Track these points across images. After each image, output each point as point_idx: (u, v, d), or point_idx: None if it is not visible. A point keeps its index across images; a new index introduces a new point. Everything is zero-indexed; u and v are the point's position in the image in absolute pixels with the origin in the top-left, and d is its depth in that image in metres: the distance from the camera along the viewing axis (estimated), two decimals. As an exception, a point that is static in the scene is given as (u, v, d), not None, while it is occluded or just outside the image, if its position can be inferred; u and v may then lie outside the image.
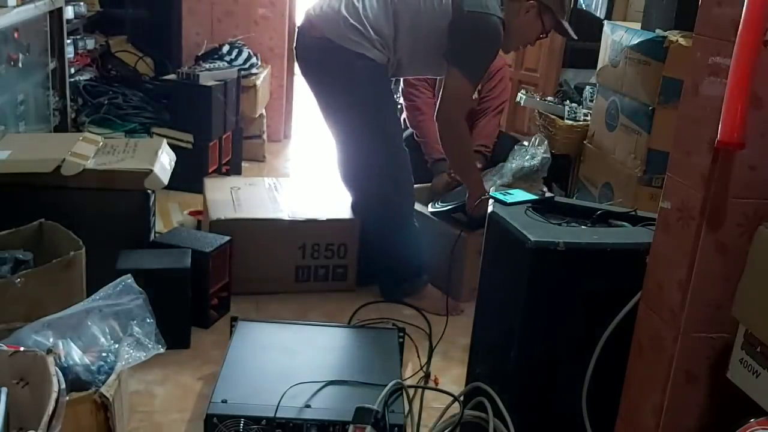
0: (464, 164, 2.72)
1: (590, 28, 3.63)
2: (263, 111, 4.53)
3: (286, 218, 2.80)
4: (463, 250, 2.70)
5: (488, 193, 2.78)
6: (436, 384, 2.24)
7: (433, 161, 3.16)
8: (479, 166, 3.23)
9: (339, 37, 2.53)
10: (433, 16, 2.52)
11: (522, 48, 2.89)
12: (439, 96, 2.62)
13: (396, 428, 1.77)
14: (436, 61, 2.59)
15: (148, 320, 1.84)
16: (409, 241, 2.71)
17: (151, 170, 2.44)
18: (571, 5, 2.79)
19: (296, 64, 4.81)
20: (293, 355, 2.08)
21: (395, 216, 2.69)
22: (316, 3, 2.64)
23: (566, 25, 2.66)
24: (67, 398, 1.41)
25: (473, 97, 3.29)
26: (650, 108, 2.77)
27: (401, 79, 3.21)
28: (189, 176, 3.35)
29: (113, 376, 1.68)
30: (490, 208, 1.90)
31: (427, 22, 2.54)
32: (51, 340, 1.68)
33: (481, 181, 2.76)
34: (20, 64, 2.97)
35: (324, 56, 2.60)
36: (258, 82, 4.26)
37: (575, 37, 2.70)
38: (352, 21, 2.51)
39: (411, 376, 2.24)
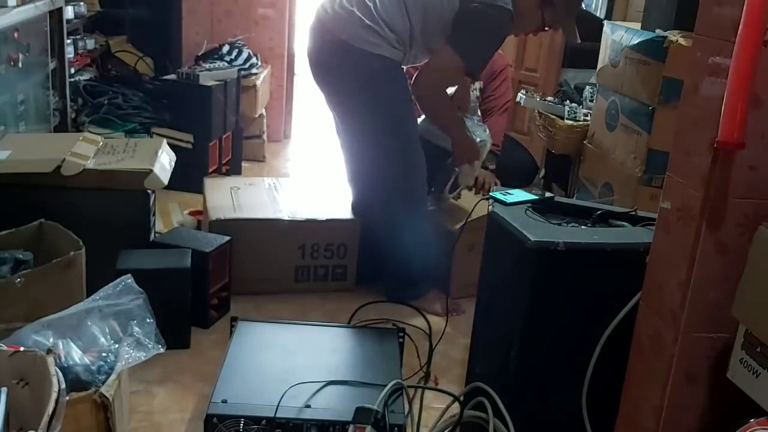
0: (445, 124, 2.71)
1: (590, 28, 3.63)
2: (263, 111, 4.53)
3: (286, 218, 2.80)
4: (453, 247, 2.68)
5: (472, 140, 2.79)
6: (436, 384, 2.25)
7: None
8: (491, 167, 3.23)
9: (356, 39, 2.50)
10: (441, 10, 2.50)
11: (523, 35, 2.84)
12: (424, 67, 2.58)
13: (396, 428, 1.77)
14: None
15: (148, 320, 1.84)
16: (415, 246, 2.70)
17: (151, 170, 2.44)
18: (579, 6, 2.72)
19: (296, 64, 4.89)
20: (293, 355, 2.08)
21: (399, 221, 2.67)
22: (325, 2, 2.61)
23: (570, 25, 2.61)
24: (67, 398, 1.41)
25: (476, 96, 3.29)
26: (650, 108, 2.77)
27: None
28: (189, 176, 3.35)
29: (113, 376, 1.68)
30: (490, 208, 1.90)
31: (434, 15, 2.50)
32: (51, 340, 1.68)
33: (462, 131, 2.75)
34: (20, 64, 2.97)
35: (341, 60, 2.56)
36: (258, 82, 4.27)
37: (578, 41, 2.64)
38: (367, 21, 2.48)
39: (411, 376, 2.24)
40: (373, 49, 2.50)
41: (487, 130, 2.91)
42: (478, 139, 2.82)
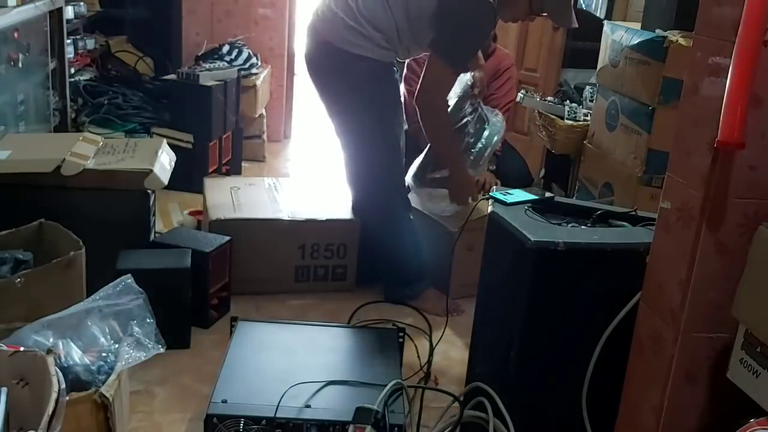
0: (445, 149, 2.70)
1: (590, 28, 3.63)
2: (263, 111, 4.53)
3: (286, 218, 2.80)
4: (453, 247, 2.68)
5: (472, 178, 2.79)
6: (436, 384, 2.24)
7: None
8: (491, 168, 3.23)
9: (339, 41, 2.52)
10: (420, 3, 2.48)
11: (515, 21, 2.80)
12: (420, 82, 2.57)
13: (396, 428, 1.77)
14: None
15: (148, 320, 1.84)
16: (411, 246, 2.71)
17: (151, 170, 2.44)
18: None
19: (296, 64, 4.89)
20: (293, 355, 2.08)
21: (396, 221, 2.69)
22: (318, 4, 2.63)
23: (559, 11, 2.55)
24: (67, 398, 1.41)
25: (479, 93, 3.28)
26: (650, 108, 2.77)
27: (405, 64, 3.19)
28: (189, 176, 3.35)
29: (113, 376, 1.68)
30: (489, 208, 1.90)
31: (416, 8, 2.49)
32: (51, 340, 1.68)
33: (463, 165, 2.73)
34: (20, 64, 2.97)
35: (327, 60, 2.58)
36: (258, 82, 4.27)
37: (574, 25, 2.58)
38: (350, 22, 2.49)
39: (411, 376, 2.24)
40: (356, 50, 2.51)
41: (500, 115, 2.91)
42: (495, 127, 2.81)
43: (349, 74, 2.55)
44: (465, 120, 2.81)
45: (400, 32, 2.53)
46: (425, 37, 2.55)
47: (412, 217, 2.75)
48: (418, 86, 2.57)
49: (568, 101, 3.56)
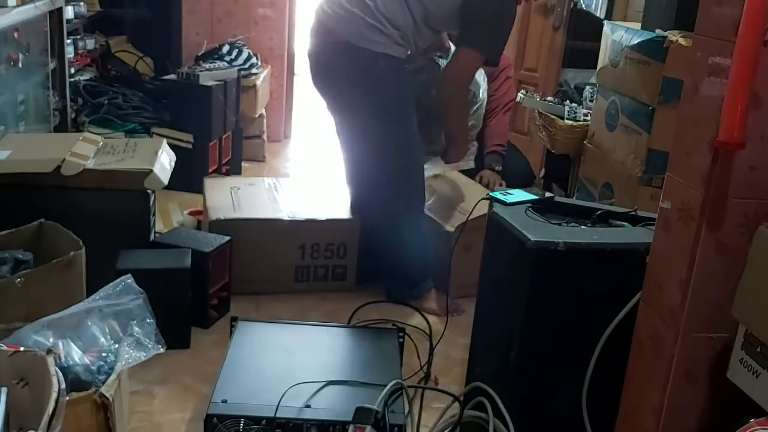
0: (462, 126, 2.83)
1: (590, 28, 3.63)
2: (263, 111, 4.53)
3: (286, 218, 2.80)
4: (454, 246, 2.68)
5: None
6: (436, 384, 2.24)
7: None
8: (498, 168, 3.23)
9: (360, 40, 2.48)
10: (439, 2, 2.50)
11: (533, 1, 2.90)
12: (448, 65, 2.61)
13: (396, 428, 1.77)
14: (451, 28, 2.65)
15: (148, 320, 1.84)
16: (416, 248, 2.69)
17: (151, 170, 2.44)
18: None
19: (296, 64, 4.89)
20: (293, 355, 2.08)
21: (395, 221, 2.67)
22: (323, 3, 2.59)
23: None
24: (67, 398, 1.41)
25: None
26: (650, 108, 2.77)
27: None
28: (189, 176, 3.35)
29: (113, 376, 1.68)
30: (490, 208, 1.90)
31: (434, 5, 2.50)
32: (51, 340, 1.68)
33: (467, 132, 2.89)
34: (20, 64, 2.97)
35: (344, 60, 2.54)
36: (258, 82, 4.27)
37: None
38: (370, 20, 2.47)
39: (411, 376, 2.24)
40: (378, 48, 2.49)
41: (483, 74, 2.95)
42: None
43: (369, 73, 2.51)
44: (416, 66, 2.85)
45: (417, 29, 2.54)
46: (439, 31, 2.60)
47: (422, 217, 2.74)
48: (446, 72, 2.64)
49: (568, 101, 3.56)
